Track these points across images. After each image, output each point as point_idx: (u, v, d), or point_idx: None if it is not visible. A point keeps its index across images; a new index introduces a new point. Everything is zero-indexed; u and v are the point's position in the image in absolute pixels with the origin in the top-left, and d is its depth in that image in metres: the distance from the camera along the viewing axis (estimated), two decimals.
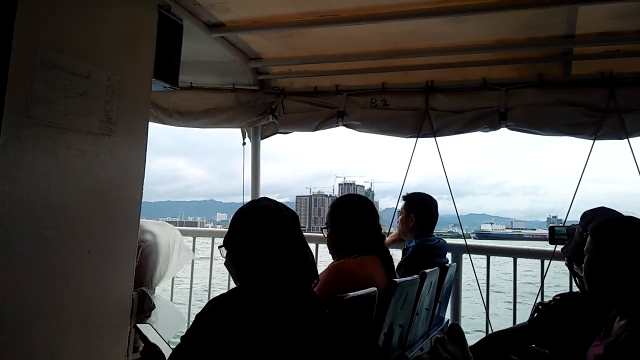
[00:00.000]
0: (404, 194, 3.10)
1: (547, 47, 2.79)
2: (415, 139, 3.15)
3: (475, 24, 2.57)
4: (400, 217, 3.07)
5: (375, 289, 1.65)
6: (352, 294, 1.48)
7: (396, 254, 3.03)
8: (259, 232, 1.44)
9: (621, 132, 2.74)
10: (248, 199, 3.63)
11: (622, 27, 2.52)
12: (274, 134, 3.65)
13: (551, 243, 2.40)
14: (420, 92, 3.14)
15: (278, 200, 1.58)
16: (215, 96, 3.48)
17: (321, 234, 2.20)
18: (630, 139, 2.75)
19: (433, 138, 3.11)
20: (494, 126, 2.97)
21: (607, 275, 1.48)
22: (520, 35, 2.68)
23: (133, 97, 2.09)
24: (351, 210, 2.10)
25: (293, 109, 3.43)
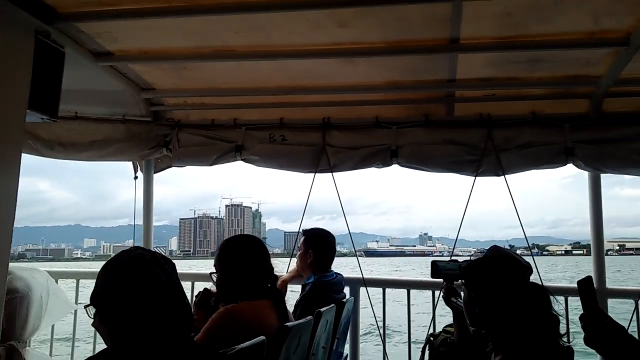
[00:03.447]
0: (303, 229, 3.10)
1: (431, 89, 2.98)
2: (313, 174, 3.18)
3: (367, 66, 2.68)
4: (299, 252, 3.06)
5: (263, 337, 1.59)
6: (238, 347, 1.41)
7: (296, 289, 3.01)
8: (136, 284, 1.32)
9: (498, 169, 2.97)
10: (139, 233, 3.41)
11: (497, 74, 2.76)
12: (168, 167, 3.49)
13: (433, 277, 2.49)
14: (318, 129, 3.19)
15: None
16: (103, 127, 3.24)
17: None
18: (506, 176, 2.99)
19: (330, 173, 3.16)
20: (386, 163, 3.08)
21: (478, 315, 1.57)
22: (408, 78, 2.84)
23: (3, 130, 1.90)
24: (241, 253, 2.03)
25: (189, 142, 3.30)
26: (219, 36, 2.40)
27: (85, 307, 1.38)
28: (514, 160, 2.98)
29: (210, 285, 2.52)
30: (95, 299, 1.36)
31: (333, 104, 3.12)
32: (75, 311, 3.17)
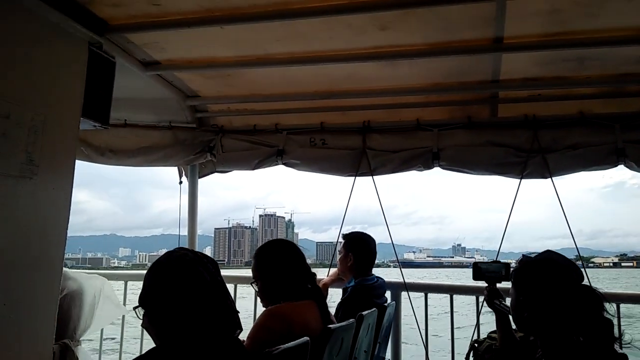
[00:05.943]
0: (343, 232, 3.10)
1: (474, 90, 2.93)
2: (354, 177, 3.19)
3: (408, 69, 2.67)
4: (339, 256, 3.06)
5: (307, 338, 1.61)
6: (282, 347, 1.43)
7: (337, 293, 3.02)
8: (179, 284, 1.35)
9: (545, 171, 2.89)
10: (184, 240, 3.51)
11: (542, 73, 2.69)
12: (212, 172, 3.59)
13: (475, 279, 2.44)
14: (358, 132, 3.20)
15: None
16: (151, 134, 3.38)
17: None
18: (553, 178, 2.90)
19: (371, 177, 3.16)
20: (427, 165, 3.05)
21: (527, 319, 1.53)
22: (450, 80, 2.81)
23: (59, 137, 1.99)
24: (276, 258, 2.05)
25: (232, 147, 3.39)
26: (261, 44, 2.45)
27: (134, 308, 1.42)
28: (562, 162, 2.90)
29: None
30: (142, 300, 1.41)
31: (373, 107, 3.12)
32: (123, 315, 3.25)
